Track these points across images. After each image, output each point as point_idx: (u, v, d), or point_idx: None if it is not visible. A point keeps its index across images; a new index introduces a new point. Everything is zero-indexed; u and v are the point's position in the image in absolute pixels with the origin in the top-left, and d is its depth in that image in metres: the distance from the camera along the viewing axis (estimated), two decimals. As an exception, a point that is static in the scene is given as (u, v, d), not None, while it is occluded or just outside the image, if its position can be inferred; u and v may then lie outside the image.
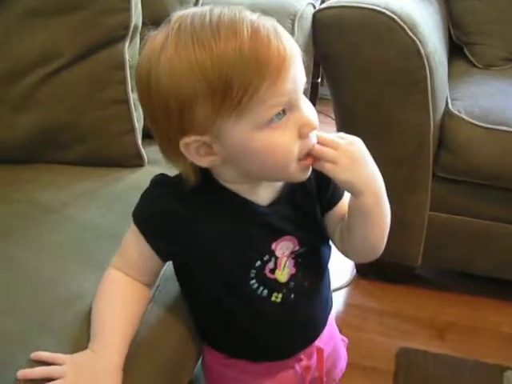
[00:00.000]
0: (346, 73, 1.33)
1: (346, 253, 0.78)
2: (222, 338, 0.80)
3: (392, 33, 1.25)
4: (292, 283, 0.75)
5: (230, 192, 0.71)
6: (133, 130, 1.02)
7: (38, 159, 1.03)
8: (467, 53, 1.64)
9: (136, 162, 1.03)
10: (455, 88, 1.46)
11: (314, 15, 1.30)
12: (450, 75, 1.51)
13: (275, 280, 0.73)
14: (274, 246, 0.72)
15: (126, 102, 1.00)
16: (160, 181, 0.73)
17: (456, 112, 1.35)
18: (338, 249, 0.78)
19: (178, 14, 0.66)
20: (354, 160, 0.67)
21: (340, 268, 1.60)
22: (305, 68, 0.66)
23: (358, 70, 1.31)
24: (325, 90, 1.87)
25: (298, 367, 0.81)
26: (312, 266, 0.77)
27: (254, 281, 0.72)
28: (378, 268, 1.49)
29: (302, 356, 0.81)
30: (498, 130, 1.32)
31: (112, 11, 0.97)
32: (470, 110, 1.35)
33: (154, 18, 1.12)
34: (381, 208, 0.71)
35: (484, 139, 1.33)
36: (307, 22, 1.27)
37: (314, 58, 1.37)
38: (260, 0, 1.22)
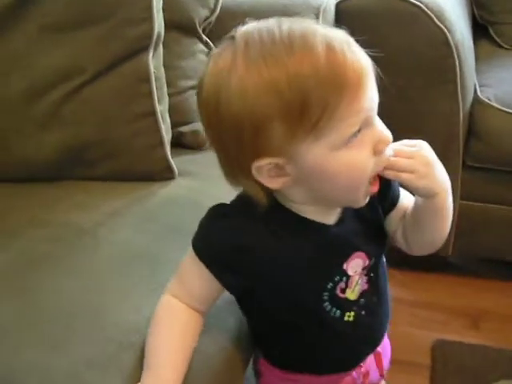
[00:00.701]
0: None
1: (409, 248, 0.77)
2: (287, 356, 0.79)
3: (419, 22, 1.21)
4: (362, 300, 0.74)
5: (296, 215, 0.68)
6: (161, 142, 0.99)
7: (65, 176, 1.00)
8: (492, 33, 1.58)
9: (166, 175, 1.01)
10: (483, 73, 1.42)
11: (337, 6, 1.26)
12: (477, 58, 1.46)
13: (346, 299, 0.72)
14: (345, 266, 0.71)
15: (153, 114, 0.97)
16: (220, 211, 0.69)
17: (485, 99, 1.32)
18: (399, 245, 0.77)
19: (242, 30, 0.62)
20: (429, 165, 0.66)
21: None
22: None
23: (384, 61, 1.25)
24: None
25: (355, 373, 0.81)
26: (378, 277, 0.76)
27: (327, 303, 0.71)
28: (409, 258, 1.47)
29: (361, 363, 0.81)
30: (530, 115, 1.28)
31: (134, 22, 0.93)
32: (500, 97, 1.32)
33: (175, 22, 1.09)
34: (450, 202, 0.71)
35: (515, 126, 1.29)
36: (331, 15, 1.23)
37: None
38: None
